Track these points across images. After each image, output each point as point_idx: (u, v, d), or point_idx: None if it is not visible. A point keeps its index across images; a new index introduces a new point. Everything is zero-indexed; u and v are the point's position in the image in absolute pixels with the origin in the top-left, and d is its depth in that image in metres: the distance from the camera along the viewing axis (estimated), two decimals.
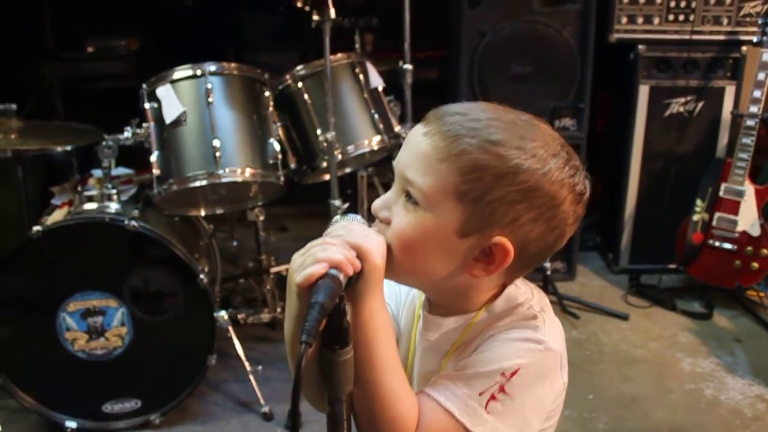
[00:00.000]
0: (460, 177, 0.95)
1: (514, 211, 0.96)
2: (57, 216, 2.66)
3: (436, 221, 0.97)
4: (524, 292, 1.07)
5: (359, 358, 0.95)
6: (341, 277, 0.90)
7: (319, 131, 2.82)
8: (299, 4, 2.80)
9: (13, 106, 2.74)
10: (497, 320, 1.04)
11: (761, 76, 3.14)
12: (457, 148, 0.95)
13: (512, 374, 0.96)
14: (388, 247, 0.98)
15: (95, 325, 2.53)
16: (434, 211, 0.97)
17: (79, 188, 2.76)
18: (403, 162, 1.00)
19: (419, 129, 1.00)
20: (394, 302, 1.17)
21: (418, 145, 0.98)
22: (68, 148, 3.04)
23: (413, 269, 1.01)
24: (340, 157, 2.81)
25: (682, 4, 3.40)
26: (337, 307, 0.91)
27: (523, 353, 0.98)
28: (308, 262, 0.92)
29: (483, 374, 0.97)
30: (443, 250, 0.99)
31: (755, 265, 3.24)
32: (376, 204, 1.03)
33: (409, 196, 0.99)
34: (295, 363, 0.84)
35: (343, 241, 0.94)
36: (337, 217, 1.02)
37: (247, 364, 2.71)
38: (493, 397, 0.96)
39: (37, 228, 2.45)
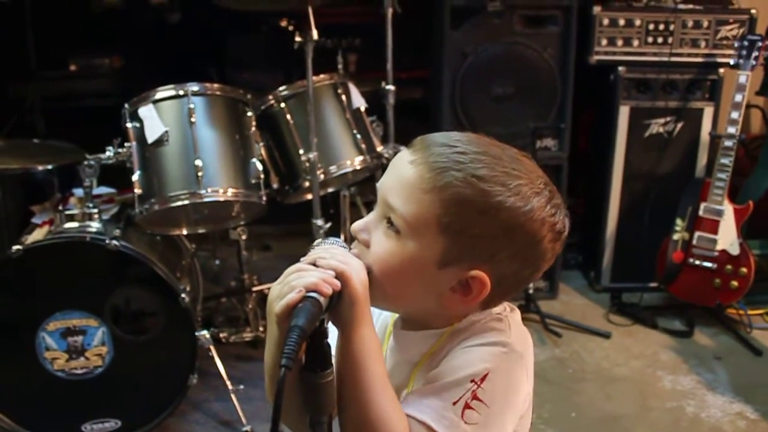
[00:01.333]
0: (443, 209, 0.95)
1: (494, 246, 0.97)
2: (37, 235, 2.65)
3: (415, 250, 0.97)
4: (489, 309, 1.07)
5: (351, 382, 0.95)
6: (321, 299, 0.91)
7: (301, 151, 2.83)
8: (283, 24, 2.81)
9: None
10: (467, 329, 1.04)
11: (738, 97, 3.19)
12: (443, 180, 0.95)
13: (482, 380, 0.96)
14: (368, 272, 0.99)
15: (75, 344, 2.51)
16: (415, 240, 0.97)
17: (60, 207, 2.73)
18: (387, 186, 1.01)
19: (405, 156, 1.00)
20: None
21: (404, 173, 0.99)
22: (49, 167, 3.02)
23: (391, 295, 1.02)
24: (322, 176, 2.82)
25: (661, 27, 3.45)
26: (317, 330, 0.91)
27: (488, 357, 0.98)
28: (285, 290, 0.93)
29: (453, 383, 0.97)
30: (421, 279, 0.99)
31: (735, 283, 3.27)
32: (357, 226, 1.04)
33: (390, 222, 0.99)
34: (275, 387, 0.84)
35: (319, 266, 0.95)
36: (318, 240, 1.02)
37: (228, 383, 2.70)
38: (467, 406, 0.95)
39: (17, 247, 2.43)
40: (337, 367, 0.97)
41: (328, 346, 0.94)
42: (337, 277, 0.94)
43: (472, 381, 0.96)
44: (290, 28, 3.53)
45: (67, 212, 2.63)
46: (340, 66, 3.25)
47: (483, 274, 0.98)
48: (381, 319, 1.17)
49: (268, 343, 1.01)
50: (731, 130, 3.20)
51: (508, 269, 0.99)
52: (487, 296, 1.00)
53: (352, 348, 0.95)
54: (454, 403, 0.95)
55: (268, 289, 3.22)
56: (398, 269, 0.98)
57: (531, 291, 3.44)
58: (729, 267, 3.28)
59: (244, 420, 2.65)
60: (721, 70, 3.47)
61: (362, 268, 0.97)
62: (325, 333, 0.93)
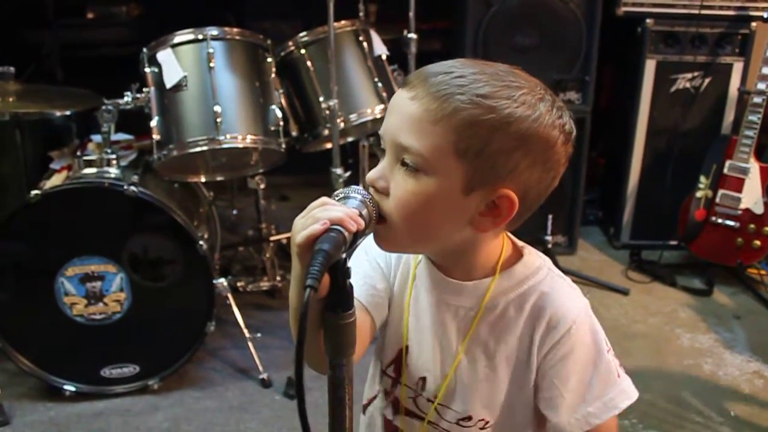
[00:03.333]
0: (457, 135, 0.94)
1: (513, 160, 0.96)
2: (56, 180, 2.64)
3: (439, 183, 0.96)
4: (537, 255, 1.11)
5: None
6: (346, 233, 0.89)
7: (321, 99, 2.79)
8: None
9: (12, 69, 2.70)
10: (521, 283, 1.07)
11: None
12: (450, 107, 0.94)
13: (607, 342, 1.10)
14: (390, 219, 0.97)
15: (94, 290, 2.52)
16: (436, 173, 0.96)
17: (79, 153, 2.73)
18: (394, 129, 0.98)
19: (404, 94, 0.98)
20: (383, 262, 1.15)
21: (408, 110, 0.96)
22: (67, 112, 3.00)
23: (419, 237, 1.01)
24: (342, 125, 2.78)
25: None
26: (341, 267, 0.89)
27: (593, 326, 1.09)
28: (308, 222, 0.90)
29: (606, 372, 1.09)
30: (450, 211, 0.99)
31: (757, 243, 3.22)
32: (373, 175, 1.00)
33: (406, 163, 0.97)
34: (300, 310, 0.81)
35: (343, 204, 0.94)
36: (339, 190, 0.99)
37: (245, 331, 2.71)
38: (618, 371, 1.10)
39: (35, 192, 2.43)
40: None
41: (351, 286, 0.91)
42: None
43: (608, 351, 1.08)
44: None
45: (86, 158, 2.63)
46: (361, 13, 3.18)
47: (509, 191, 0.98)
48: (402, 263, 1.15)
49: (292, 281, 0.99)
50: (761, 86, 3.12)
51: (530, 180, 0.99)
52: (516, 212, 1.00)
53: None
54: (619, 377, 1.09)
55: (286, 239, 3.21)
56: (426, 207, 0.97)
57: (550, 245, 3.41)
58: (752, 226, 3.23)
59: (260, 368, 2.67)
60: (754, 24, 3.38)
61: (342, 209, 0.94)
62: (347, 272, 0.91)
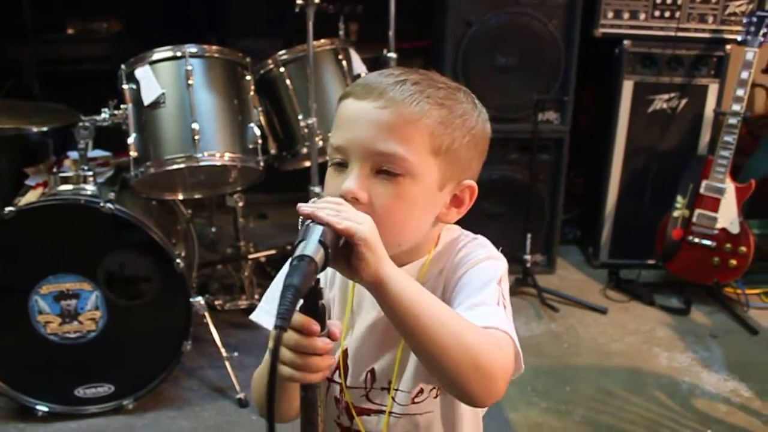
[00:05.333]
0: (430, 134, 1.01)
1: (470, 153, 1.06)
2: (31, 197, 2.61)
3: (421, 183, 1.01)
4: (452, 228, 1.14)
5: (414, 328, 0.92)
6: (318, 256, 0.86)
7: (300, 117, 2.79)
8: None
9: None
10: (447, 256, 1.10)
11: (744, 74, 3.15)
12: (423, 109, 1.00)
13: (499, 282, 1.05)
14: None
15: (68, 308, 2.49)
16: (417, 174, 1.01)
17: (55, 169, 2.71)
18: (369, 139, 0.99)
19: (367, 105, 1.00)
20: (322, 276, 1.15)
21: (380, 119, 1.00)
22: (44, 128, 2.97)
23: (400, 239, 1.04)
24: (321, 143, 2.78)
25: (669, 1, 3.40)
26: (312, 290, 0.88)
27: (495, 266, 1.07)
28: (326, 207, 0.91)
29: (490, 293, 1.03)
30: (428, 208, 1.05)
31: (733, 262, 3.25)
32: (353, 187, 0.99)
33: (385, 171, 0.99)
34: (272, 350, 0.81)
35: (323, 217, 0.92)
36: (314, 199, 0.98)
37: (223, 350, 2.69)
38: (504, 305, 1.04)
39: (10, 208, 2.40)
40: (393, 320, 0.94)
41: (323, 307, 0.91)
42: (335, 234, 0.89)
43: (498, 283, 1.05)
44: None
45: (62, 174, 2.60)
46: (341, 32, 3.20)
47: (471, 182, 1.08)
48: (338, 278, 1.15)
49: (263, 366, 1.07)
50: (736, 107, 3.16)
51: (477, 169, 1.10)
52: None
53: (393, 294, 0.92)
54: (498, 305, 1.03)
55: (264, 257, 3.19)
56: (409, 209, 1.02)
57: (529, 265, 3.42)
58: (728, 245, 3.26)
59: (237, 387, 2.64)
60: (728, 47, 3.43)
61: (369, 219, 0.94)
62: (320, 293, 0.90)
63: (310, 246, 0.86)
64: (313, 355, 0.90)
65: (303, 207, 0.91)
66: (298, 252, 0.86)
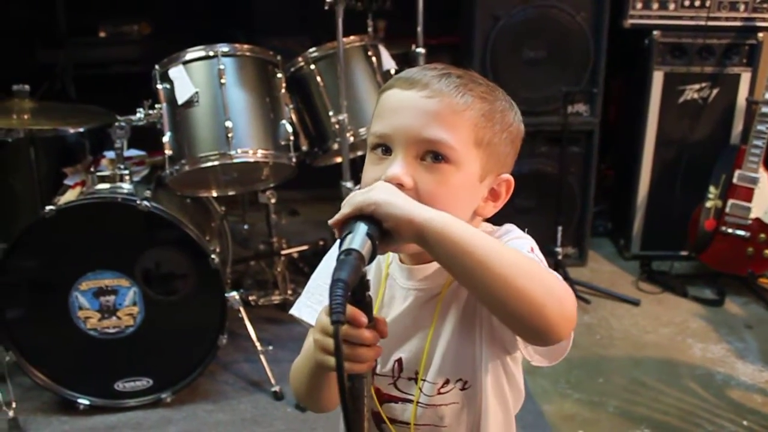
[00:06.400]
0: (475, 126, 1.04)
1: (506, 148, 1.09)
2: (70, 196, 2.68)
3: (464, 172, 1.04)
4: (484, 225, 1.16)
5: (470, 268, 0.90)
6: (365, 249, 0.88)
7: (331, 113, 2.82)
8: None
9: (27, 87, 2.75)
10: None
11: None
12: (467, 101, 1.03)
13: (532, 251, 1.05)
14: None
15: (107, 304, 2.55)
16: (461, 162, 1.03)
17: (92, 169, 2.76)
18: (413, 125, 1.01)
19: (414, 94, 1.03)
20: None
21: (428, 107, 1.02)
22: (81, 129, 3.04)
23: None
24: (352, 139, 2.81)
25: None
26: (360, 282, 0.89)
27: (524, 243, 1.06)
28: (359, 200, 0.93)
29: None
30: (470, 197, 1.07)
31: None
32: (398, 172, 1.00)
33: (431, 157, 1.02)
34: (334, 344, 0.83)
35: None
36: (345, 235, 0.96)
37: (257, 344, 2.73)
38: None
39: (50, 207, 2.46)
40: (450, 266, 0.93)
41: (370, 298, 0.93)
42: (371, 222, 0.91)
43: (531, 251, 1.04)
44: None
45: (99, 174, 2.66)
46: (370, 29, 3.22)
47: (509, 176, 1.11)
48: (373, 269, 1.17)
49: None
50: None
51: (512, 165, 1.13)
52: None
53: (438, 234, 0.91)
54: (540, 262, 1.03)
55: (297, 252, 3.22)
56: (453, 196, 1.03)
57: (560, 257, 3.42)
58: (762, 236, 3.23)
59: (272, 380, 2.68)
60: (760, 35, 3.39)
61: (385, 185, 0.96)
62: (367, 285, 0.92)
63: (357, 239, 0.88)
64: (362, 346, 0.92)
65: (330, 221, 0.94)
66: (345, 246, 0.88)
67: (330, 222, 0.94)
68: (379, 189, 0.94)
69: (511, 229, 1.12)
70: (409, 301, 1.12)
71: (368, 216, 0.92)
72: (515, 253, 0.94)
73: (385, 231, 0.92)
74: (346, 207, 0.93)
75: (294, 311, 1.20)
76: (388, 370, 1.16)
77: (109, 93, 3.47)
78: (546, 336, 0.94)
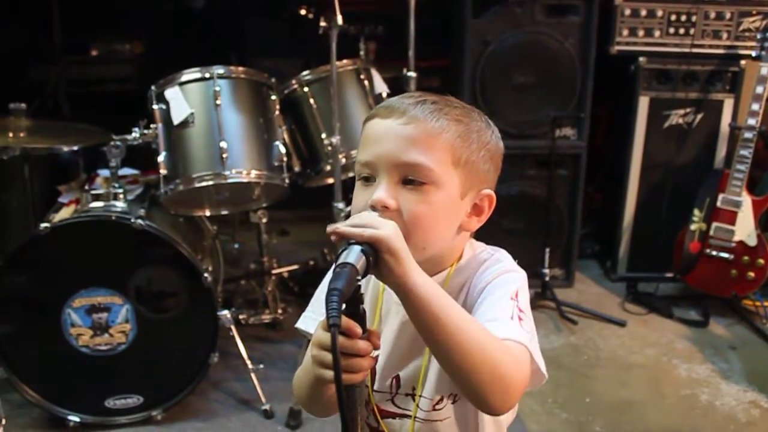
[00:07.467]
0: (452, 148, 1.10)
1: (486, 165, 1.15)
2: (64, 214, 2.70)
3: (445, 192, 1.09)
4: (475, 244, 1.22)
5: (438, 336, 0.98)
6: (359, 264, 0.94)
7: (324, 135, 2.87)
8: (303, 12, 2.84)
9: (23, 106, 2.78)
10: (469, 272, 1.17)
11: (759, 89, 3.20)
12: (444, 124, 1.10)
13: (516, 296, 1.11)
14: (404, 233, 1.02)
15: (100, 321, 2.56)
16: (441, 182, 1.09)
17: (86, 187, 2.79)
18: (395, 151, 1.08)
19: (392, 122, 1.10)
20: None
21: (405, 133, 1.09)
22: (75, 147, 3.07)
23: (427, 245, 1.10)
24: (344, 161, 2.84)
25: (683, 18, 3.46)
26: (354, 295, 0.94)
27: (511, 280, 1.14)
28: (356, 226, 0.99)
29: (502, 308, 1.09)
30: (452, 215, 1.13)
31: (751, 274, 3.28)
32: (382, 196, 1.07)
33: (411, 180, 1.07)
34: (331, 346, 0.88)
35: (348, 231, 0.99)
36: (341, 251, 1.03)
37: (248, 362, 2.74)
38: (520, 318, 1.08)
39: (44, 225, 2.48)
40: (419, 327, 1.00)
41: (364, 311, 0.97)
42: (368, 243, 0.97)
43: (512, 299, 1.10)
44: (309, 15, 3.53)
45: (93, 192, 2.69)
46: (362, 52, 3.27)
47: (490, 191, 1.16)
48: (370, 286, 1.22)
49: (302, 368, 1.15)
50: (751, 121, 3.21)
51: (494, 180, 1.18)
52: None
53: (420, 300, 0.98)
54: (512, 318, 1.08)
55: (287, 272, 3.24)
56: (435, 216, 1.09)
57: (547, 279, 3.46)
58: (746, 258, 3.29)
59: (263, 399, 2.70)
60: (743, 62, 3.48)
61: (392, 224, 1.01)
62: (361, 298, 0.96)
63: (352, 254, 0.94)
64: (356, 357, 0.96)
65: (329, 228, 0.98)
66: (341, 260, 0.93)
67: (332, 227, 0.98)
68: (391, 232, 0.98)
69: (502, 259, 1.18)
70: (402, 314, 1.16)
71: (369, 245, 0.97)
72: (483, 335, 1.00)
73: (376, 260, 0.97)
74: (356, 228, 0.97)
75: (300, 324, 1.25)
76: (386, 386, 1.20)
77: (100, 111, 3.50)
78: (483, 409, 1.07)
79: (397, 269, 0.97)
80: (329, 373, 0.95)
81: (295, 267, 3.49)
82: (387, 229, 0.98)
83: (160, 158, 2.67)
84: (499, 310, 1.08)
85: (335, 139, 2.74)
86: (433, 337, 0.99)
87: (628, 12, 3.46)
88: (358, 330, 0.96)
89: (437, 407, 1.17)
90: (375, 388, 1.21)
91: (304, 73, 2.95)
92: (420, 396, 1.17)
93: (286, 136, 2.87)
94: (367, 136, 1.13)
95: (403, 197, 1.07)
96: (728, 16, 3.45)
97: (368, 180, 1.11)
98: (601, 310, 3.46)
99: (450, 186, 1.10)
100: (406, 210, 1.07)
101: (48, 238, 2.47)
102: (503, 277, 1.13)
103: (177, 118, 2.64)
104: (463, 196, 1.12)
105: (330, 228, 0.99)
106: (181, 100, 2.65)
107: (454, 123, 1.10)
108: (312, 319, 1.23)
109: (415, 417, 1.19)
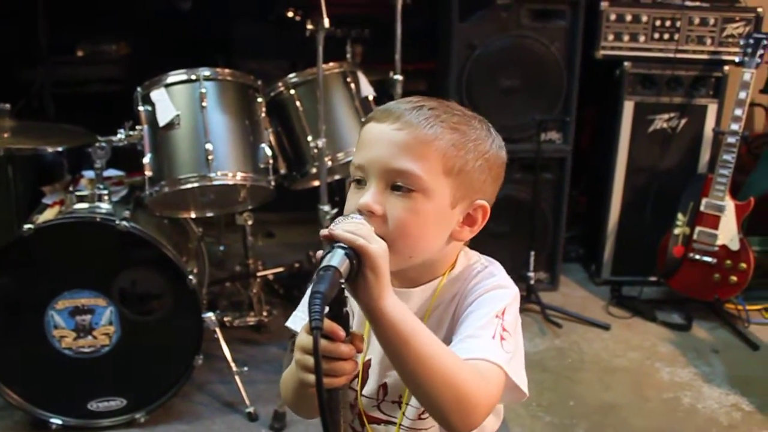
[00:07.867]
0: (443, 155, 1.08)
1: (482, 176, 1.13)
2: (48, 215, 2.68)
3: (434, 200, 1.08)
4: (470, 254, 1.22)
5: (404, 359, 0.99)
6: (342, 267, 0.94)
7: (309, 138, 2.87)
8: (290, 15, 2.85)
9: (8, 106, 2.76)
10: (462, 283, 1.16)
11: (742, 95, 3.23)
12: (437, 132, 1.08)
13: (503, 314, 1.10)
14: (388, 240, 1.03)
15: (83, 323, 2.55)
16: (430, 191, 1.07)
17: (71, 188, 2.77)
18: (384, 157, 1.07)
19: (386, 127, 1.09)
20: None
21: (396, 139, 1.08)
22: (60, 149, 3.06)
23: (413, 252, 1.09)
24: (330, 163, 2.85)
25: (668, 23, 3.48)
26: (336, 298, 0.94)
27: (500, 296, 1.12)
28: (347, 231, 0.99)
29: (486, 325, 1.08)
30: (441, 224, 1.11)
31: (734, 278, 3.31)
32: (369, 201, 1.07)
33: (400, 186, 1.07)
34: (313, 349, 0.89)
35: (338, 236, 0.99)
36: (339, 218, 1.05)
37: (233, 365, 2.74)
38: (502, 337, 1.08)
39: (28, 226, 2.47)
40: (385, 347, 1.01)
41: (347, 314, 0.98)
42: (355, 252, 0.97)
43: (497, 316, 1.09)
44: (296, 18, 3.53)
45: (78, 193, 2.67)
46: (348, 55, 3.28)
47: (483, 202, 1.14)
48: None
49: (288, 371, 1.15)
50: (734, 126, 3.23)
51: (491, 192, 1.16)
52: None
53: (390, 323, 0.98)
54: (493, 337, 1.07)
55: (273, 274, 3.24)
56: (422, 224, 1.08)
57: (532, 282, 3.48)
58: (729, 262, 3.32)
59: (247, 401, 2.69)
60: (726, 68, 3.51)
61: (384, 245, 1.01)
62: (344, 301, 0.96)
63: (336, 258, 0.94)
64: (338, 360, 0.96)
65: (324, 231, 0.99)
66: (324, 263, 0.94)
67: (325, 231, 0.99)
68: (381, 251, 0.98)
69: (495, 273, 1.17)
70: None
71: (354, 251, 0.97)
72: (449, 359, 1.01)
73: (357, 273, 0.97)
74: (350, 235, 0.97)
75: (290, 323, 1.25)
76: (373, 392, 1.20)
77: (86, 112, 3.48)
78: (445, 428, 1.06)
79: (374, 289, 0.97)
80: (312, 377, 0.95)
81: (280, 269, 3.49)
82: (378, 247, 0.98)
83: (146, 160, 2.66)
84: (481, 327, 1.08)
85: (321, 142, 2.74)
86: (399, 359, 1.00)
87: (613, 17, 3.48)
88: (341, 333, 0.96)
89: (422, 416, 1.17)
90: (363, 393, 1.20)
91: (291, 75, 2.95)
92: (406, 404, 1.17)
93: (272, 139, 2.87)
94: (362, 138, 1.13)
95: (390, 203, 1.07)
96: (712, 22, 3.48)
97: (360, 183, 1.11)
98: (586, 313, 3.48)
99: (440, 195, 1.08)
100: (391, 216, 1.06)
101: (32, 239, 2.46)
102: (493, 293, 1.12)
103: (163, 120, 2.64)
104: (453, 205, 1.11)
105: (325, 231, 0.99)
106: (166, 101, 2.64)
107: (449, 131, 1.08)
108: (302, 318, 1.22)
109: (400, 425, 1.19)
